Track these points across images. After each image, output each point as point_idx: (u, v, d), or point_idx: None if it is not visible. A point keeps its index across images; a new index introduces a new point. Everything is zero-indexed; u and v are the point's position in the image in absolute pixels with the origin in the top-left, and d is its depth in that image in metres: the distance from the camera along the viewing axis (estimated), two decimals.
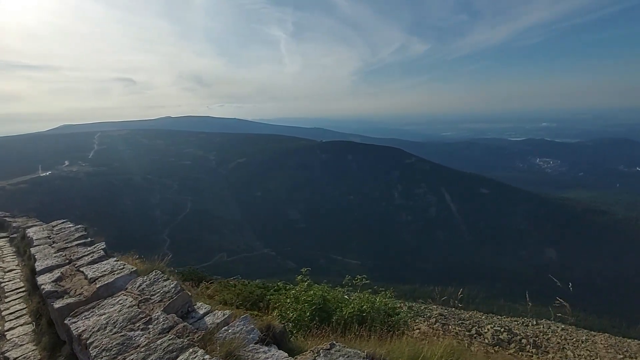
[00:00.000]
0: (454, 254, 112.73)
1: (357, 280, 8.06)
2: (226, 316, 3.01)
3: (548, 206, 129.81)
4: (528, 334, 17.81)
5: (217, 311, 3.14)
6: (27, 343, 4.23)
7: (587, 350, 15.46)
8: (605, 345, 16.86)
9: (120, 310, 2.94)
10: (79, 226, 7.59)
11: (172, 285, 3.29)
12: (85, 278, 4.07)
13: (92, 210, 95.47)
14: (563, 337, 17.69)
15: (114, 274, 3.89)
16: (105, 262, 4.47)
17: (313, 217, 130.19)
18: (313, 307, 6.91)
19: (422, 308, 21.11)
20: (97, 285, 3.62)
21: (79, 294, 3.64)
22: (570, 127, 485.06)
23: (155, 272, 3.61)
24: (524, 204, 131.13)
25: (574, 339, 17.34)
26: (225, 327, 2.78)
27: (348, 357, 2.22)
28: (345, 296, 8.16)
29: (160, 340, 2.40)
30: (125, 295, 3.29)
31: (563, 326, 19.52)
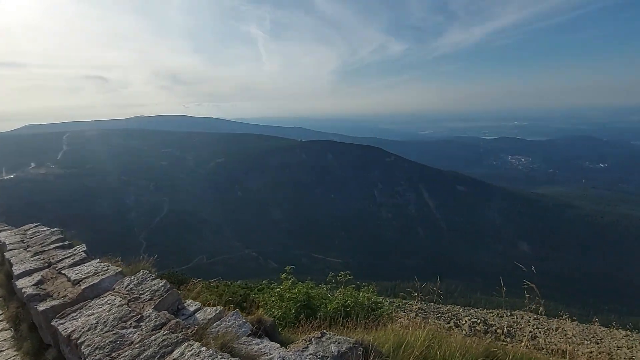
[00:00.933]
0: (433, 250, 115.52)
1: (340, 276, 8.20)
2: (217, 312, 3.07)
3: (521, 201, 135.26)
4: (503, 324, 18.63)
5: (207, 308, 3.19)
6: (8, 349, 4.12)
7: (557, 337, 16.33)
8: (574, 332, 17.86)
9: (109, 310, 2.95)
10: (55, 229, 7.37)
11: (161, 284, 3.32)
12: (68, 280, 4.01)
13: (63, 214, 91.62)
14: (535, 326, 18.65)
15: (98, 275, 3.86)
16: (87, 264, 4.40)
17: (295, 217, 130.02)
18: (298, 304, 6.99)
19: (403, 303, 21.62)
20: (82, 287, 3.58)
21: (63, 296, 3.59)
22: (540, 125, 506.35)
23: (143, 271, 3.61)
24: (499, 200, 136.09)
25: (545, 328, 18.30)
26: (218, 322, 2.85)
27: (339, 343, 2.34)
28: (329, 294, 8.29)
29: (154, 336, 2.44)
30: (113, 295, 3.28)
31: (535, 316, 20.58)
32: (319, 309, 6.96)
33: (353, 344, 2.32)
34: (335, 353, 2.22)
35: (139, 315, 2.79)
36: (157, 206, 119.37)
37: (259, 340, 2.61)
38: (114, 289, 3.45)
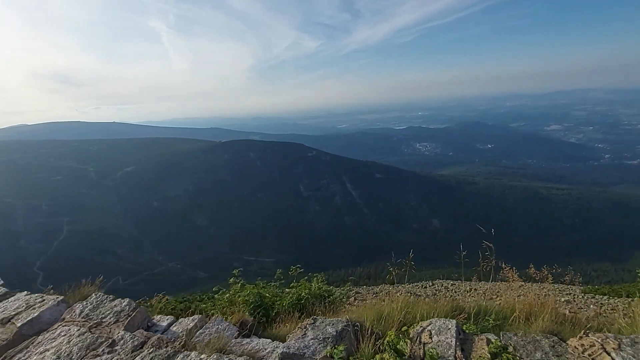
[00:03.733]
0: (360, 236, 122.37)
1: (292, 271, 8.28)
2: (196, 320, 2.95)
3: (431, 183, 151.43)
4: (428, 293, 20.90)
5: (182, 319, 3.04)
6: None
7: (471, 297, 18.97)
8: (484, 290, 20.92)
9: (69, 341, 2.61)
10: None
11: (124, 304, 3.04)
12: None
13: None
14: (453, 291, 21.35)
15: (35, 309, 3.32)
16: (12, 298, 3.74)
17: (222, 221, 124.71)
18: (251, 306, 6.89)
19: (340, 290, 22.68)
20: (18, 324, 3.07)
21: None
22: (439, 114, 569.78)
23: (96, 294, 3.25)
24: (412, 184, 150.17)
25: (462, 290, 21.11)
26: (201, 330, 2.75)
27: (333, 324, 2.49)
28: (278, 291, 8.30)
29: (139, 357, 2.28)
30: (66, 325, 2.89)
31: (452, 282, 23.59)
32: (272, 308, 6.97)
33: (346, 322, 2.50)
34: (334, 333, 2.37)
35: (110, 340, 2.55)
36: (54, 228, 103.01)
37: (249, 339, 2.62)
38: (64, 319, 3.04)
